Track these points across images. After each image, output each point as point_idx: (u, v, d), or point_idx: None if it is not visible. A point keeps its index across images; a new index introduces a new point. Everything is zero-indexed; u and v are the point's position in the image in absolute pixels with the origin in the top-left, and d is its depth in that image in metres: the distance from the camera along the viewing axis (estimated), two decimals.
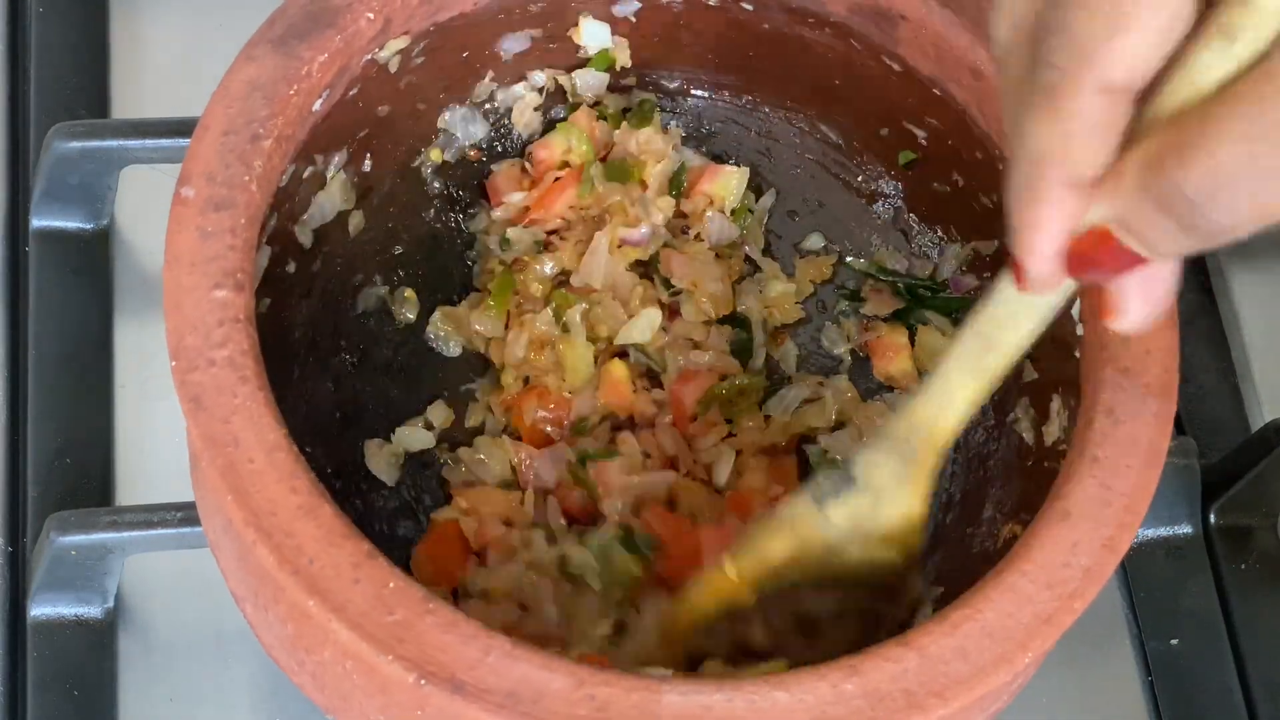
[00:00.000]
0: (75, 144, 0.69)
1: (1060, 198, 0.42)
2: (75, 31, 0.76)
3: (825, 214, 0.68)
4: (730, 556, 0.57)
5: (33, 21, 0.76)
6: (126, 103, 0.75)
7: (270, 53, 0.56)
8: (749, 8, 0.64)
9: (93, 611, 0.64)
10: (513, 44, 0.65)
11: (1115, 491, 0.52)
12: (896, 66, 0.63)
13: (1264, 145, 0.38)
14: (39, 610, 0.63)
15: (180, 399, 0.51)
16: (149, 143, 0.70)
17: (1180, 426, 0.72)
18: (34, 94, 0.74)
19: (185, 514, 0.62)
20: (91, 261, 0.71)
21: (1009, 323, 0.50)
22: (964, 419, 0.54)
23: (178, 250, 0.53)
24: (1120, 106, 0.40)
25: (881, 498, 0.55)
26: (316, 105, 0.58)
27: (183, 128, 0.68)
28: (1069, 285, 0.46)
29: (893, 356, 0.66)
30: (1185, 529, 0.69)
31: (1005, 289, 0.49)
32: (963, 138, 0.63)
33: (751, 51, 0.66)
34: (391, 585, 0.48)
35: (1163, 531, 0.69)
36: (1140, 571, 0.68)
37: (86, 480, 0.67)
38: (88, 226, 0.71)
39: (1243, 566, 0.69)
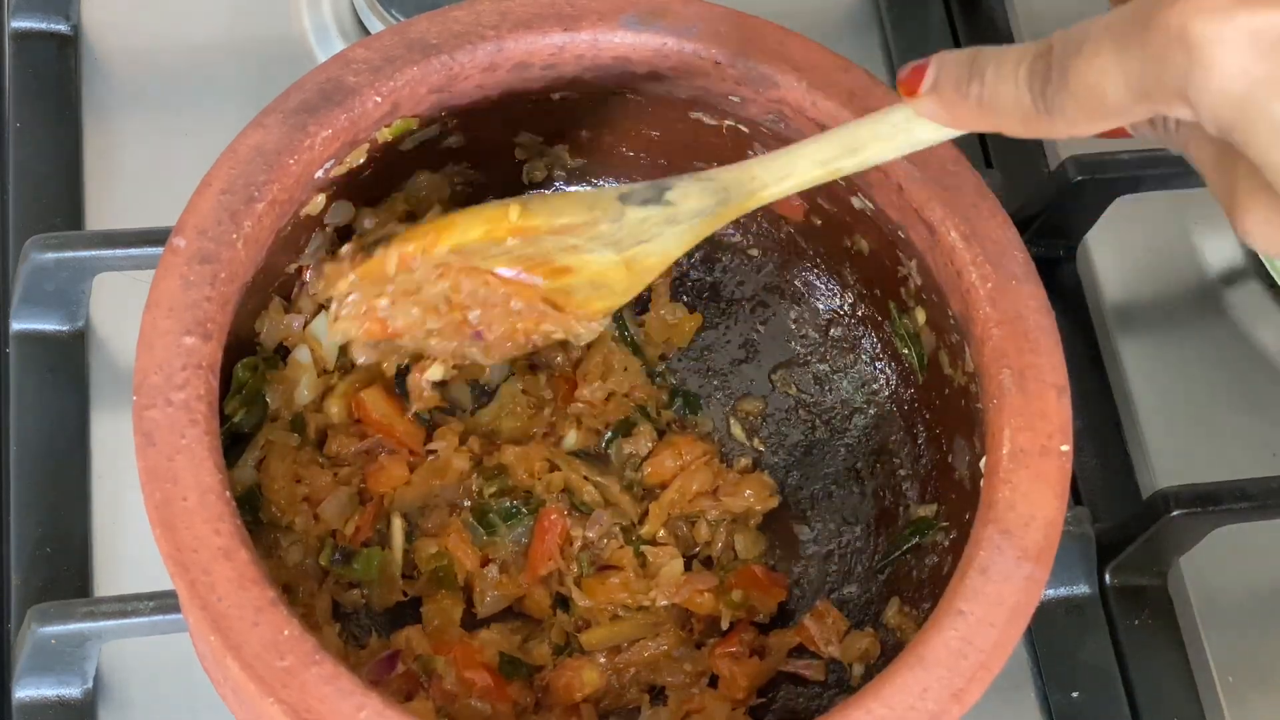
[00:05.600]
0: (50, 255, 0.70)
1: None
2: (50, 146, 0.77)
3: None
4: (523, 202, 0.56)
5: (10, 137, 0.76)
6: (100, 212, 0.75)
7: (280, 123, 0.57)
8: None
9: (73, 692, 0.65)
10: None
11: (974, 646, 0.51)
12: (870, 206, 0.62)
13: None
14: (23, 692, 0.65)
15: (134, 432, 0.52)
16: (119, 252, 0.71)
17: (1076, 495, 0.73)
18: (12, 206, 0.75)
19: (158, 603, 0.63)
20: (68, 361, 0.72)
21: (880, 139, 0.52)
22: (783, 196, 0.54)
23: (159, 295, 0.54)
24: None
25: (674, 221, 0.55)
26: (317, 174, 0.58)
27: (150, 237, 0.70)
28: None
29: None
30: (1083, 589, 0.70)
31: (893, 114, 0.51)
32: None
33: None
34: (286, 633, 0.49)
35: (1062, 591, 0.70)
36: (1042, 629, 0.70)
37: (66, 569, 0.67)
38: (64, 329, 0.72)
39: (1136, 622, 0.71)
